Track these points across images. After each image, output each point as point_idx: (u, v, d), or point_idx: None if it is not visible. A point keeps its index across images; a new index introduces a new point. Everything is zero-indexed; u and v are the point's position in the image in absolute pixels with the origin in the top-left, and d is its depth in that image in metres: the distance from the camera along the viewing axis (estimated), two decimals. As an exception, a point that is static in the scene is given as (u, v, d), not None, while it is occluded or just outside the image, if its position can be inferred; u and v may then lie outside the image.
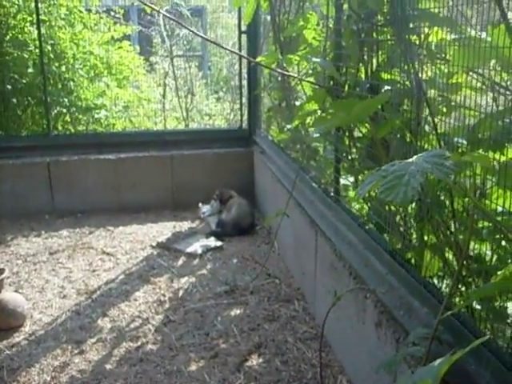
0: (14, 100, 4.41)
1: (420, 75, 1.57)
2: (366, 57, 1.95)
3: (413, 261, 1.78)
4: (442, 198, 1.59)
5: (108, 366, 2.41)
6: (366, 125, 1.84)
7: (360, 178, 2.12)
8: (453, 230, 1.62)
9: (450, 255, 1.69)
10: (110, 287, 3.14)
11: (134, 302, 2.97)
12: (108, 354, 2.50)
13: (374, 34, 1.83)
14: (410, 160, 0.95)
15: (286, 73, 2.44)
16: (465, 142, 1.33)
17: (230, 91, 7.86)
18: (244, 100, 4.65)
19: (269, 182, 3.77)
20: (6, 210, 4.19)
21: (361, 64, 1.95)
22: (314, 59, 1.91)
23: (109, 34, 5.03)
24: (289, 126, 3.40)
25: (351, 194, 2.35)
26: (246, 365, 2.36)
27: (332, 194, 2.48)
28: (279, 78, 3.49)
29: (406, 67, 1.63)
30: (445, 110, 1.43)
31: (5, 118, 4.56)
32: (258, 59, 2.29)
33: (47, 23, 4.46)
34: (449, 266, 1.68)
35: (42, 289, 3.16)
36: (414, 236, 1.82)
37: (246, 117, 4.59)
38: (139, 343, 2.57)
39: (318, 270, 2.59)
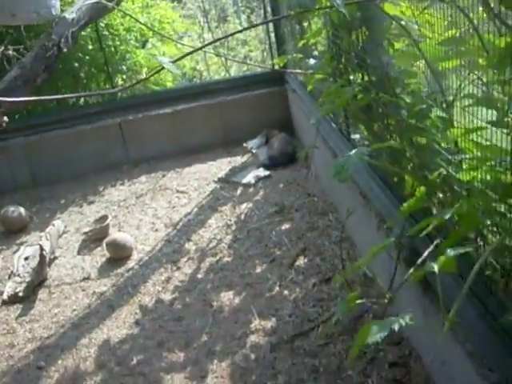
0: (82, 74, 5.27)
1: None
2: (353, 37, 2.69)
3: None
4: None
5: (199, 276, 3.40)
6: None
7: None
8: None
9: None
10: (189, 218, 4.11)
11: (209, 227, 3.92)
12: (197, 268, 3.49)
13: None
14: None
15: (294, 71, 3.18)
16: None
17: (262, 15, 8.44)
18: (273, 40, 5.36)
19: (301, 118, 4.57)
20: (92, 167, 5.17)
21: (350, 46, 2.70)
22: (311, 60, 2.66)
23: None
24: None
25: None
26: (296, 264, 3.30)
27: (345, 133, 3.29)
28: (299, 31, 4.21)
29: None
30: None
31: (76, 90, 5.47)
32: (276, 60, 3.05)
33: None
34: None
35: (137, 226, 4.15)
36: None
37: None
38: (218, 257, 3.54)
39: (341, 188, 3.44)
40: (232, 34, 6.16)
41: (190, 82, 6.53)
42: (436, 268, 1.19)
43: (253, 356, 2.68)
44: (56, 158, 5.15)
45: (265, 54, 6.40)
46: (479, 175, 1.57)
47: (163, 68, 1.45)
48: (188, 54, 1.71)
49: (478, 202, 1.46)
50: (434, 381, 2.29)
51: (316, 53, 3.57)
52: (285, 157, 4.70)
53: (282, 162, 4.67)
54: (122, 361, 2.82)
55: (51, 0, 2.63)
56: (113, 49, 5.32)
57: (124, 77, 5.43)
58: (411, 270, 1.60)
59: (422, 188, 1.75)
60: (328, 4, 1.66)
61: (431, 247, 1.72)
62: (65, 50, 2.71)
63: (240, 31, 5.70)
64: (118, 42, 5.28)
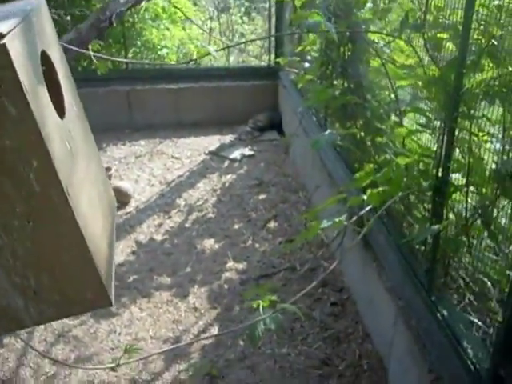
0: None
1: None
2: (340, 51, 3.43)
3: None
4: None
5: (187, 225, 4.11)
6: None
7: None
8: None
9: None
10: (181, 180, 4.81)
11: (197, 189, 4.63)
12: (185, 219, 4.19)
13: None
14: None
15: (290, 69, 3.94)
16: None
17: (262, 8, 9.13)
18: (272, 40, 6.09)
19: (288, 111, 5.31)
20: (98, 127, 5.57)
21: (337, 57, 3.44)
22: (306, 63, 3.40)
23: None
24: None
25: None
26: (267, 226, 4.04)
27: (323, 127, 4.03)
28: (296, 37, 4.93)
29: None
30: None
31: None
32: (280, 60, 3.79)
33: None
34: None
35: (136, 180, 4.83)
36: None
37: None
38: (203, 213, 4.26)
39: (313, 172, 4.19)
40: (247, 42, 7.00)
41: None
42: (365, 197, 1.94)
43: (226, 286, 3.42)
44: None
45: (262, 50, 7.11)
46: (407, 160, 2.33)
47: (209, 54, 2.15)
48: (225, 48, 2.41)
49: (403, 175, 2.22)
50: (361, 315, 3.07)
51: (309, 58, 4.31)
52: (270, 121, 5.61)
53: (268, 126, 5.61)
54: (121, 278, 3.52)
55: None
56: (130, 24, 5.97)
57: (137, 51, 6.08)
58: (354, 218, 2.34)
59: (371, 165, 2.50)
60: (326, 28, 2.36)
61: (369, 207, 2.47)
62: (114, 24, 3.38)
63: (253, 40, 6.73)
64: (136, 19, 5.93)
